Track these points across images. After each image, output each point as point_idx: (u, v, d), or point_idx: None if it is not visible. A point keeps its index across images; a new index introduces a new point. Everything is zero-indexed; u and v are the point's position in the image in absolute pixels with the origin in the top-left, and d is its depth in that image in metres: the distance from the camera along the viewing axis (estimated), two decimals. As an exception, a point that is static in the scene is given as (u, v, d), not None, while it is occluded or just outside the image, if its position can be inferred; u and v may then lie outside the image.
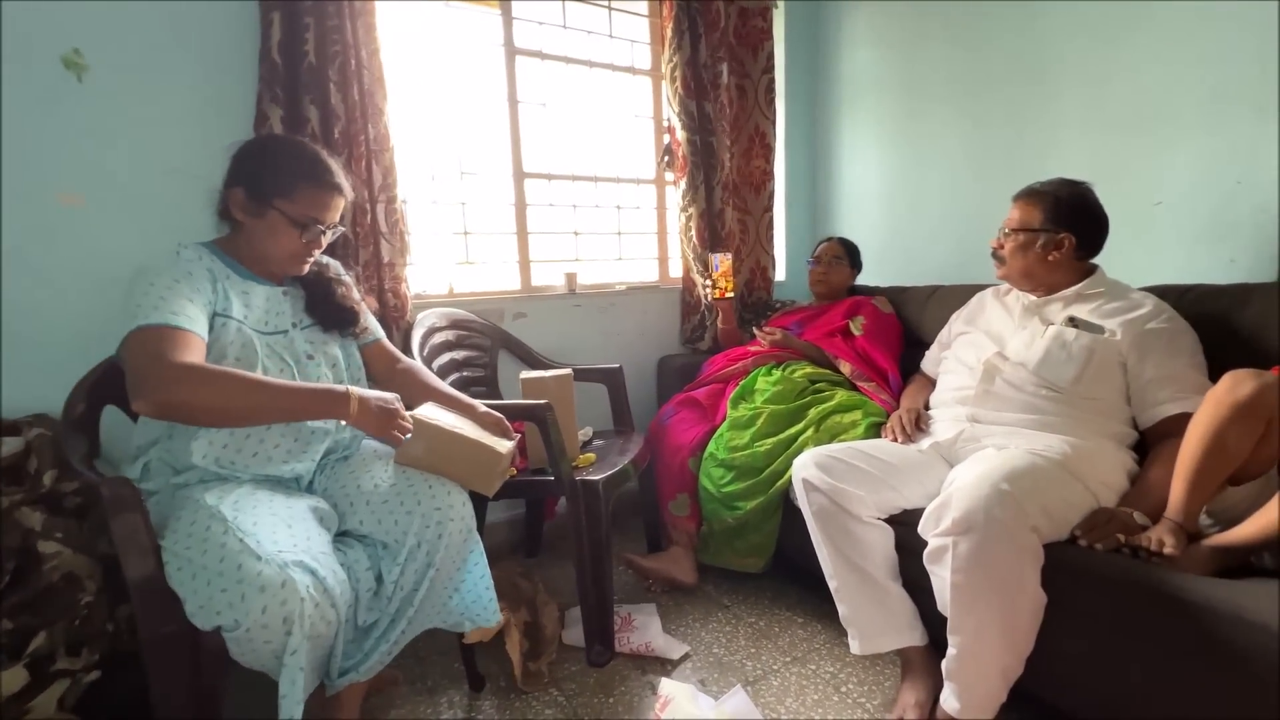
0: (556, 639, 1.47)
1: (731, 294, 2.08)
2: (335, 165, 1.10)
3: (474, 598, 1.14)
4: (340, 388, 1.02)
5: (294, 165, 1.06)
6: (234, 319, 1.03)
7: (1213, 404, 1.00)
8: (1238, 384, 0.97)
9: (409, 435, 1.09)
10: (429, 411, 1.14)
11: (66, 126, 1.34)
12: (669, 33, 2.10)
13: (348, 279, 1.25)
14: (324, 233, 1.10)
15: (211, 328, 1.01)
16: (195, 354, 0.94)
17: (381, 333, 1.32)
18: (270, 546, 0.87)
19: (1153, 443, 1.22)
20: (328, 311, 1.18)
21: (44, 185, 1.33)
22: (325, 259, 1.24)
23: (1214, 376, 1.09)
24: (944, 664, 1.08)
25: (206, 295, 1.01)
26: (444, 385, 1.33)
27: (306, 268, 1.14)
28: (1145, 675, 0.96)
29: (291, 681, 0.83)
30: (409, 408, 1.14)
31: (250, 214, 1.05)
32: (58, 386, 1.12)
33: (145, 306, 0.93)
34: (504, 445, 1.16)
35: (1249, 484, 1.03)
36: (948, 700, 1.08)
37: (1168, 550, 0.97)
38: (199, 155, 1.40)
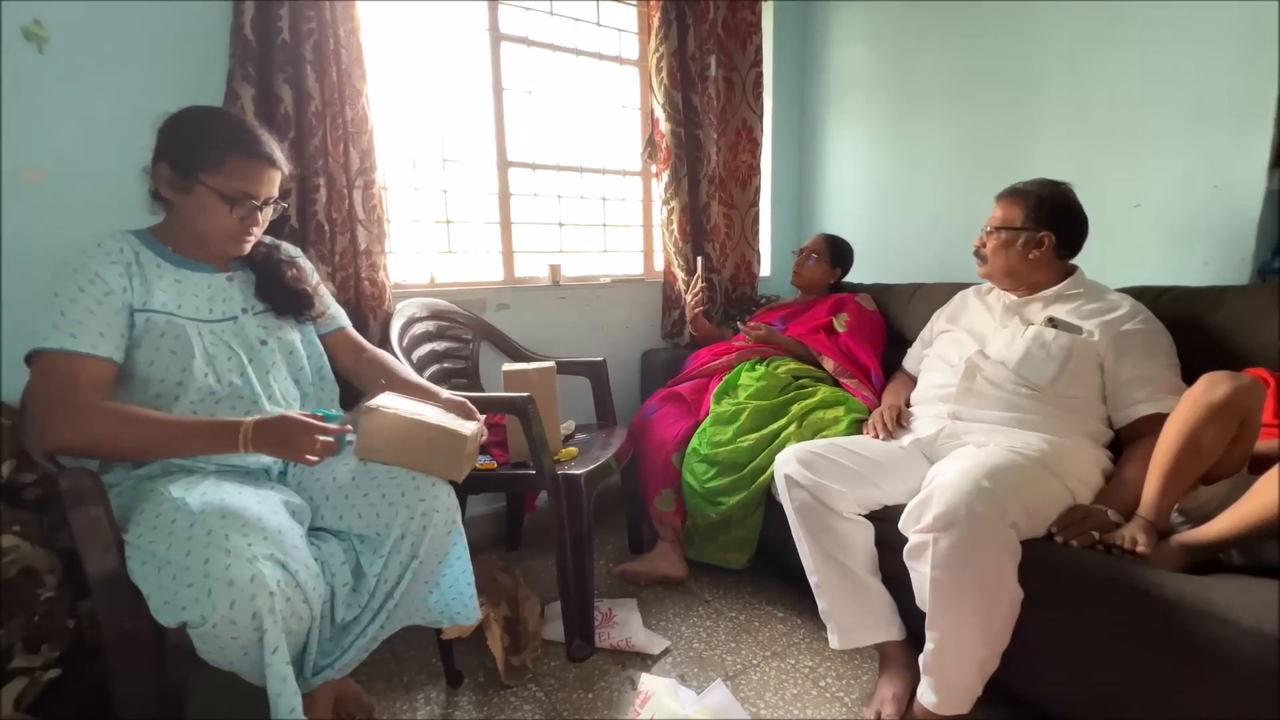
0: (539, 633, 1.46)
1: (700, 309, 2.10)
2: (267, 136, 1.04)
3: (455, 594, 1.12)
4: (234, 420, 0.92)
5: (219, 136, 0.99)
6: (158, 311, 0.98)
7: (1189, 405, 1.01)
8: (1214, 385, 0.99)
9: (351, 436, 1.02)
10: (384, 401, 1.08)
11: (26, 100, 1.28)
12: (656, 23, 2.08)
13: (302, 262, 1.20)
14: (259, 208, 1.03)
15: (134, 324, 0.97)
16: (94, 382, 0.91)
17: (346, 321, 1.28)
18: (239, 540, 0.84)
19: (1127, 442, 1.24)
20: (280, 295, 1.13)
21: (3, 161, 1.27)
22: (277, 241, 1.19)
23: (1188, 376, 1.11)
24: (921, 658, 1.09)
25: (117, 299, 0.95)
26: (412, 374, 1.29)
27: (248, 247, 1.07)
28: (1117, 669, 0.98)
29: (282, 679, 0.81)
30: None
31: (177, 190, 0.99)
32: (15, 374, 1.07)
33: (46, 324, 0.90)
34: (467, 427, 1.10)
35: (1220, 483, 1.05)
36: (924, 694, 1.09)
37: (1140, 548, 0.98)
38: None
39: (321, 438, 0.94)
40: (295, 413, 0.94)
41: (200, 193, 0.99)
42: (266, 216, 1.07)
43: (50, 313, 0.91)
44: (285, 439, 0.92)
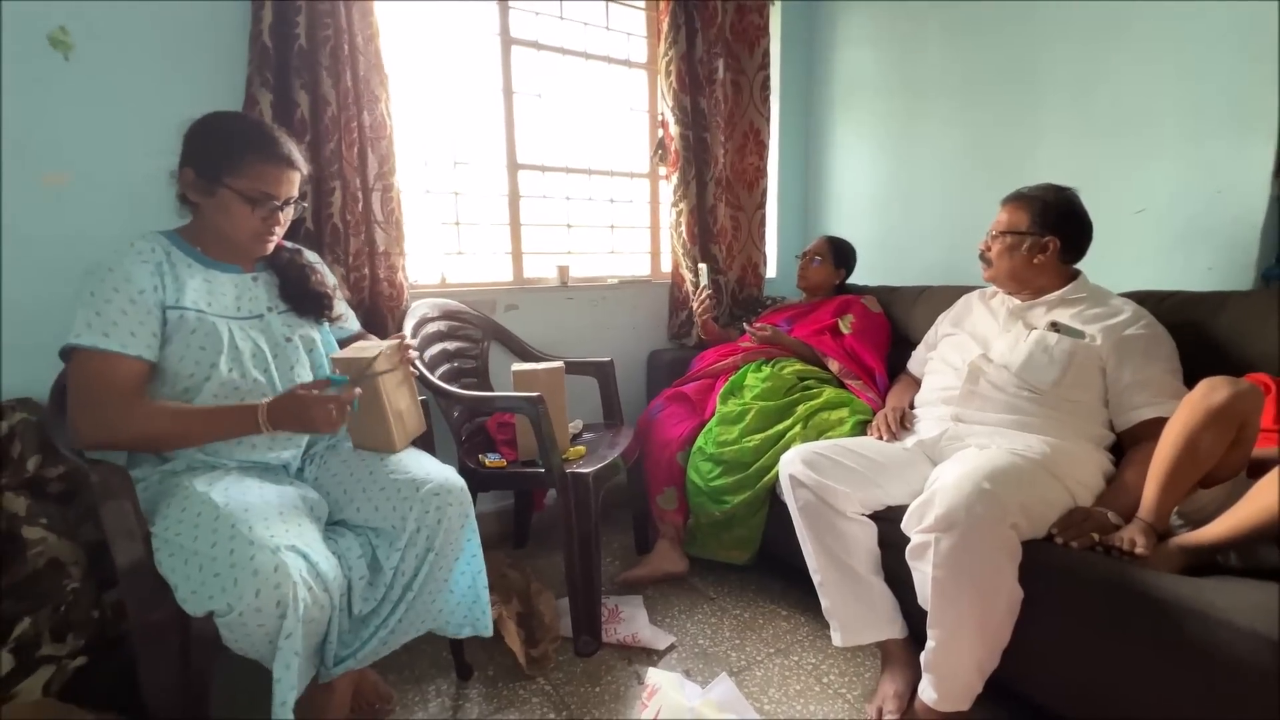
0: (555, 624, 1.48)
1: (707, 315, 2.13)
2: (285, 138, 1.07)
3: (473, 598, 1.15)
4: (250, 404, 0.98)
5: (240, 139, 1.03)
6: (190, 309, 1.02)
7: (1188, 409, 1.03)
8: (1212, 390, 1.00)
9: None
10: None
11: (53, 106, 1.32)
12: (665, 27, 2.10)
13: (321, 268, 1.25)
14: (280, 208, 1.07)
15: (166, 321, 1.00)
16: (129, 381, 0.95)
17: (357, 326, 1.33)
18: (263, 531, 0.87)
19: (1128, 445, 1.25)
20: (301, 297, 1.17)
21: (29, 165, 1.30)
22: (299, 247, 1.24)
23: (1190, 381, 1.12)
24: (922, 656, 1.11)
25: (149, 298, 0.98)
26: (420, 370, 1.32)
27: (271, 246, 1.11)
28: (1114, 668, 1.00)
29: (286, 666, 0.83)
30: None
31: (202, 194, 1.03)
32: (42, 370, 1.11)
33: (80, 321, 0.94)
34: (370, 350, 1.08)
35: (1218, 486, 1.06)
36: (925, 691, 1.11)
37: (1139, 550, 1.00)
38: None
39: (332, 405, 0.99)
40: (300, 386, 1.00)
41: (223, 195, 1.02)
42: (288, 216, 1.11)
43: (85, 311, 0.95)
44: (298, 413, 0.98)
